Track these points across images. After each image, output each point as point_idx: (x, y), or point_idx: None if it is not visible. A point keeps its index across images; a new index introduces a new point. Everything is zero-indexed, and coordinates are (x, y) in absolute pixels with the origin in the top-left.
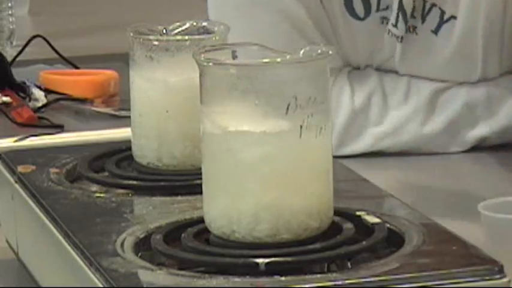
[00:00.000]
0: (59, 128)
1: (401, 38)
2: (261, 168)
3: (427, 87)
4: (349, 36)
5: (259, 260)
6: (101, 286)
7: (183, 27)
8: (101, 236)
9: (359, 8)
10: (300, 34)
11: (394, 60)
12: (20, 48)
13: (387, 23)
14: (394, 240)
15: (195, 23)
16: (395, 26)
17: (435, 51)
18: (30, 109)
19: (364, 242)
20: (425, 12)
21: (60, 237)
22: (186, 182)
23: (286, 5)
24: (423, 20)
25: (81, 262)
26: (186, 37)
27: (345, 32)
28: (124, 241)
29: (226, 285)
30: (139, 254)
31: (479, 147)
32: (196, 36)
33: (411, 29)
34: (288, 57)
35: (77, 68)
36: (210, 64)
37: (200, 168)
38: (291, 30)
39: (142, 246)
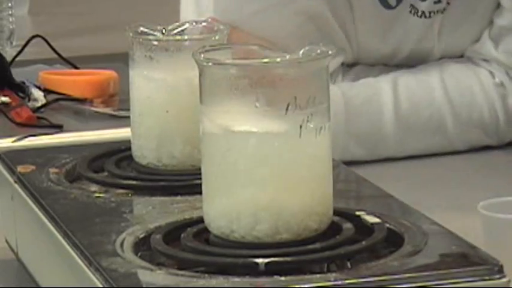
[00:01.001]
0: (58, 128)
1: (430, 13)
2: (261, 168)
3: None
4: (378, 27)
5: (259, 260)
6: (101, 286)
7: (183, 27)
8: (101, 236)
9: None
10: (323, 34)
11: (429, 40)
12: (19, 48)
13: (415, 14)
14: (393, 240)
15: (194, 23)
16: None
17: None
18: (30, 109)
19: (363, 242)
20: None
21: (60, 237)
22: (185, 182)
23: (309, 6)
24: None
25: (80, 262)
26: (186, 37)
27: (374, 23)
28: (124, 241)
29: (226, 285)
30: (139, 254)
31: (478, 147)
32: (196, 36)
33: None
34: (287, 57)
35: (76, 68)
36: (210, 64)
37: (200, 168)
38: (314, 31)
39: (142, 246)
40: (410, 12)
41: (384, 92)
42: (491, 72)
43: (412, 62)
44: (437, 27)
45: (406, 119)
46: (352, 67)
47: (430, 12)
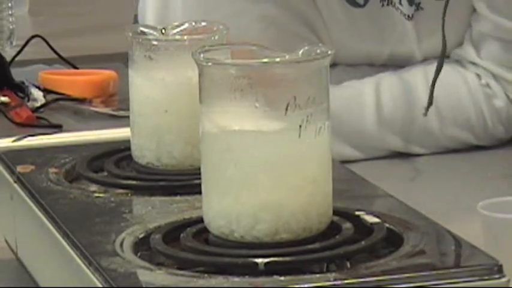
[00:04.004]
0: (58, 128)
1: (409, 16)
2: (260, 168)
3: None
4: (352, 26)
5: (259, 260)
6: (100, 286)
7: (182, 27)
8: (100, 235)
9: None
10: (290, 35)
11: (409, 42)
12: (19, 48)
13: (388, 4)
14: (393, 240)
15: (193, 23)
16: (400, 3)
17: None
18: (29, 109)
19: (363, 242)
20: None
21: (60, 237)
22: (185, 181)
23: (268, 11)
24: None
25: (80, 262)
26: (185, 37)
27: (347, 23)
28: (123, 241)
29: (225, 285)
30: (139, 253)
31: (478, 147)
32: (195, 36)
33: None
34: (287, 57)
35: (75, 68)
36: (209, 64)
37: (199, 168)
38: (279, 34)
39: (142, 246)
40: (386, 5)
41: (365, 94)
42: (477, 75)
43: (396, 63)
44: (414, 31)
45: (389, 120)
46: (334, 68)
47: (405, 15)
